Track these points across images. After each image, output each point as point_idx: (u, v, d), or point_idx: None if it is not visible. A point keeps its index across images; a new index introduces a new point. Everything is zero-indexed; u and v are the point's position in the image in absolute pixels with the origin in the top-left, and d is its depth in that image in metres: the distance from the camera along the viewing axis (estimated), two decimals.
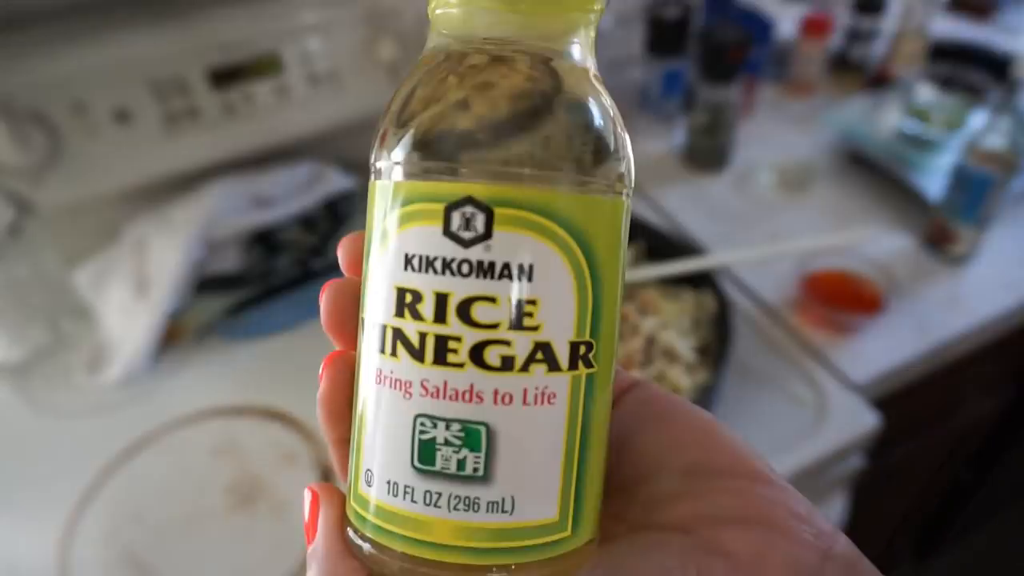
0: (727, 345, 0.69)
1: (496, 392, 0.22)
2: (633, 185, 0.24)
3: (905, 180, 0.92)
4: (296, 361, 0.79)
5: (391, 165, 0.23)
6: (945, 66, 0.99)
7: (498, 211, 0.21)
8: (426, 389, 0.22)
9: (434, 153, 0.22)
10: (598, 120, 0.23)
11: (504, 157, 0.22)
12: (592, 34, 0.24)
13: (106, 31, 0.79)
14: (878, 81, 1.13)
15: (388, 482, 0.22)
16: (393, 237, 0.23)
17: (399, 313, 0.22)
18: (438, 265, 0.22)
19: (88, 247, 0.86)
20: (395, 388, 0.22)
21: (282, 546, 0.63)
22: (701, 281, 0.78)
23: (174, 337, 0.79)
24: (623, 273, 0.24)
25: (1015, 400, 1.12)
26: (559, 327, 0.22)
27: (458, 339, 0.22)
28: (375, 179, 0.24)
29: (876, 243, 0.88)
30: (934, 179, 0.90)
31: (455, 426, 0.22)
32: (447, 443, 0.22)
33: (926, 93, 0.97)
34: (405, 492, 0.22)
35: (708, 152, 1.00)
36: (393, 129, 0.23)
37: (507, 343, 0.22)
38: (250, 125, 0.87)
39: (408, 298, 0.22)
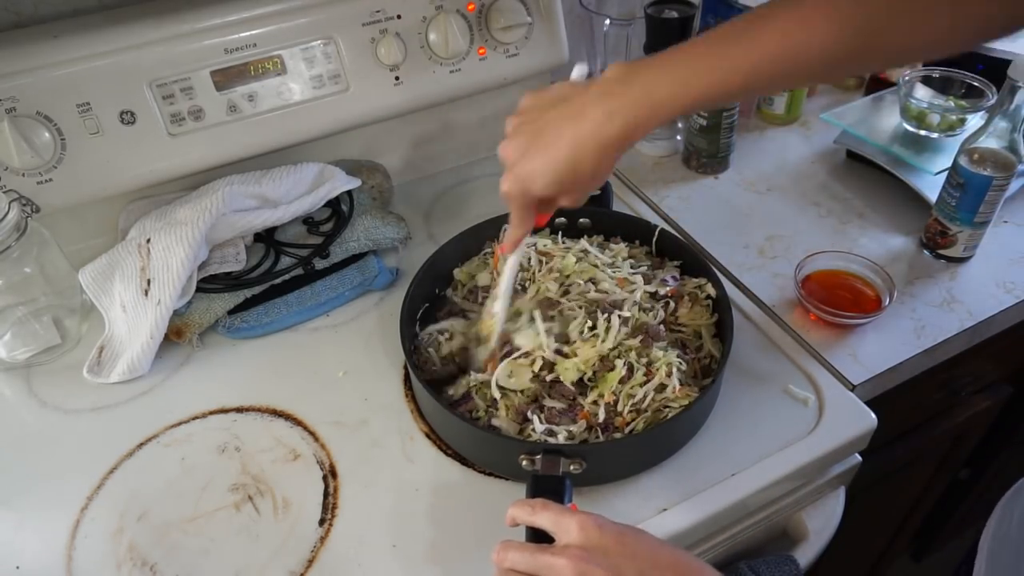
0: (727, 343, 0.70)
1: None
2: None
3: (903, 181, 0.93)
4: (299, 360, 0.80)
5: None
6: (943, 68, 0.99)
7: None
8: None
9: None
10: None
11: None
12: None
13: (111, 33, 0.79)
14: (877, 83, 1.13)
15: None
16: None
17: None
18: None
19: (93, 246, 0.87)
20: None
21: (285, 543, 0.63)
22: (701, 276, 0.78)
23: (178, 336, 0.79)
24: None
25: (1011, 399, 1.13)
26: None
27: None
28: None
29: (875, 244, 0.89)
30: (932, 180, 0.91)
31: None
32: None
33: (924, 95, 0.98)
34: None
35: (708, 153, 1.00)
36: None
37: None
38: (254, 126, 0.88)
39: None
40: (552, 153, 0.56)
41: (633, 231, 0.84)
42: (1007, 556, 0.68)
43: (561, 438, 0.65)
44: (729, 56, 0.53)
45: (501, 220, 0.84)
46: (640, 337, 0.69)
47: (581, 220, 0.86)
